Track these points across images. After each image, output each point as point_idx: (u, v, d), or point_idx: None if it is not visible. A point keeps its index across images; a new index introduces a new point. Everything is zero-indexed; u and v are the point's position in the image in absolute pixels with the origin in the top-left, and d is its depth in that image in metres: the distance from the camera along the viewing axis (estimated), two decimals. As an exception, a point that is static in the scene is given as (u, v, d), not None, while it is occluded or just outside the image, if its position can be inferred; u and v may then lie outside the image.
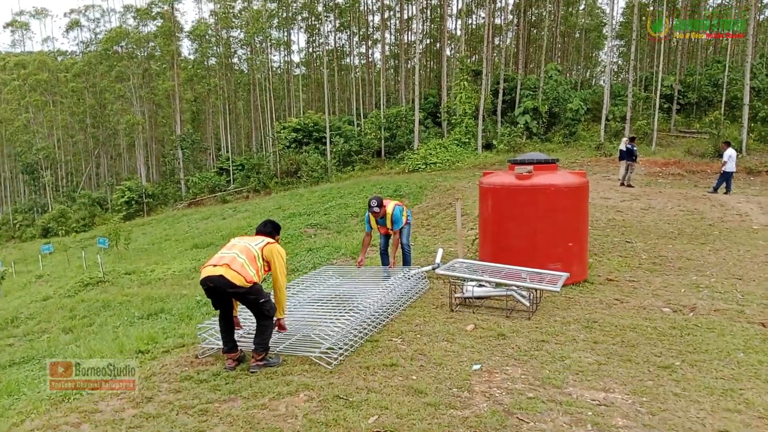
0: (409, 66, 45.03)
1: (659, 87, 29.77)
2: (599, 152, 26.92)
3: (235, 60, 54.92)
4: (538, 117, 31.88)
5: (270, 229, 5.24)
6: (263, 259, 4.79)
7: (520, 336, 5.35)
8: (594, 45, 52.80)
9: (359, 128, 39.82)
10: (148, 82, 52.96)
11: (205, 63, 51.06)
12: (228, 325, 4.79)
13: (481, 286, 6.52)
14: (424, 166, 28.48)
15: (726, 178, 16.91)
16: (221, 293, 4.58)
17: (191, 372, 4.65)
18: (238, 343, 4.87)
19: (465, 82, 31.44)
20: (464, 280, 6.44)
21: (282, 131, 39.19)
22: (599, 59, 56.36)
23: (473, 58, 47.40)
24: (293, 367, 4.65)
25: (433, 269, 7.58)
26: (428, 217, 16.61)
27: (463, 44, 38.76)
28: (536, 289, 6.11)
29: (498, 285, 6.41)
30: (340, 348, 4.86)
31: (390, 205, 7.53)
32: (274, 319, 4.86)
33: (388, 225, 7.53)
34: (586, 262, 7.91)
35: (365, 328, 5.40)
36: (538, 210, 7.38)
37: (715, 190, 16.99)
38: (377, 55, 52.58)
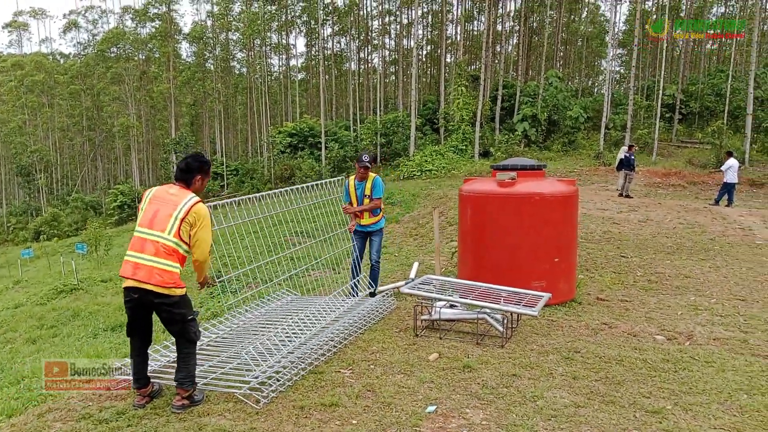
0: (408, 72, 44.35)
1: (661, 96, 29.13)
2: (598, 161, 26.30)
3: (234, 64, 54.34)
4: (537, 125, 31.17)
5: (198, 164, 3.97)
6: (184, 241, 3.83)
7: (489, 368, 4.63)
8: (596, 53, 52.16)
9: (356, 134, 39.16)
10: (145, 85, 52.37)
11: (203, 65, 50.47)
12: (144, 354, 4.04)
13: (452, 306, 5.80)
14: (419, 173, 27.80)
15: (728, 189, 16.24)
16: (147, 306, 3.82)
17: (93, 409, 3.92)
18: (151, 377, 4.11)
19: (463, 88, 30.78)
20: (431, 300, 5.71)
21: (277, 136, 38.53)
22: (601, 67, 55.72)
23: (473, 66, 46.79)
24: (214, 405, 3.92)
25: (406, 284, 6.86)
26: (417, 227, 15.96)
27: (461, 49, 38.16)
28: (511, 312, 5.38)
29: (469, 306, 5.70)
30: (275, 382, 4.15)
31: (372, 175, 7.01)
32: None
33: (367, 191, 6.87)
34: (574, 279, 7.19)
35: (308, 357, 4.68)
36: (521, 221, 6.66)
37: (717, 202, 16.32)
38: (376, 61, 52.00)
